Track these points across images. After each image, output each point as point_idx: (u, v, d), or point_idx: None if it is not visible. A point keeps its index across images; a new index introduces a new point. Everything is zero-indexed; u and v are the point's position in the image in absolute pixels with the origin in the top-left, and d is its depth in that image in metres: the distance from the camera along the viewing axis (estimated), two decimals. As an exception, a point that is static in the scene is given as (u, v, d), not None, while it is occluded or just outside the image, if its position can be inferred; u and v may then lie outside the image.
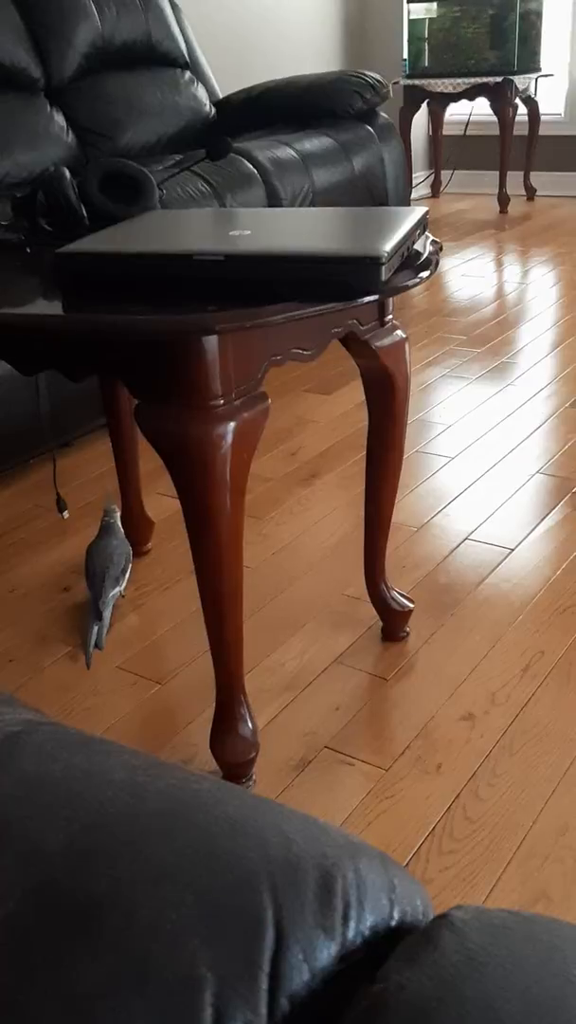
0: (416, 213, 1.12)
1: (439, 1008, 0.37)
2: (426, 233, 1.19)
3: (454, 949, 0.40)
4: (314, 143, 2.94)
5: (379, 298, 1.06)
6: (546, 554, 1.74)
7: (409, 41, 4.64)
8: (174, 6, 3.18)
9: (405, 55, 4.68)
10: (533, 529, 1.83)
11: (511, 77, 4.41)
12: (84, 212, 1.27)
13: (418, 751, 1.29)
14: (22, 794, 0.50)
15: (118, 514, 1.67)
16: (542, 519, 1.86)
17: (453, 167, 5.36)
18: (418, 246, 1.13)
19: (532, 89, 4.67)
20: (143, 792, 0.50)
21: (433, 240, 1.19)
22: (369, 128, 3.17)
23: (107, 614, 1.57)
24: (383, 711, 1.38)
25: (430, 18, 4.55)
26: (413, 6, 4.57)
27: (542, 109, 4.80)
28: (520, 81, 4.48)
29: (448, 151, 5.32)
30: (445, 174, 5.37)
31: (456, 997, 0.37)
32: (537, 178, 5.08)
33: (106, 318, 0.98)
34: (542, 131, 4.85)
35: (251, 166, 2.66)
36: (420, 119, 5.06)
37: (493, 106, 4.52)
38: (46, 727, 0.58)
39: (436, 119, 5.09)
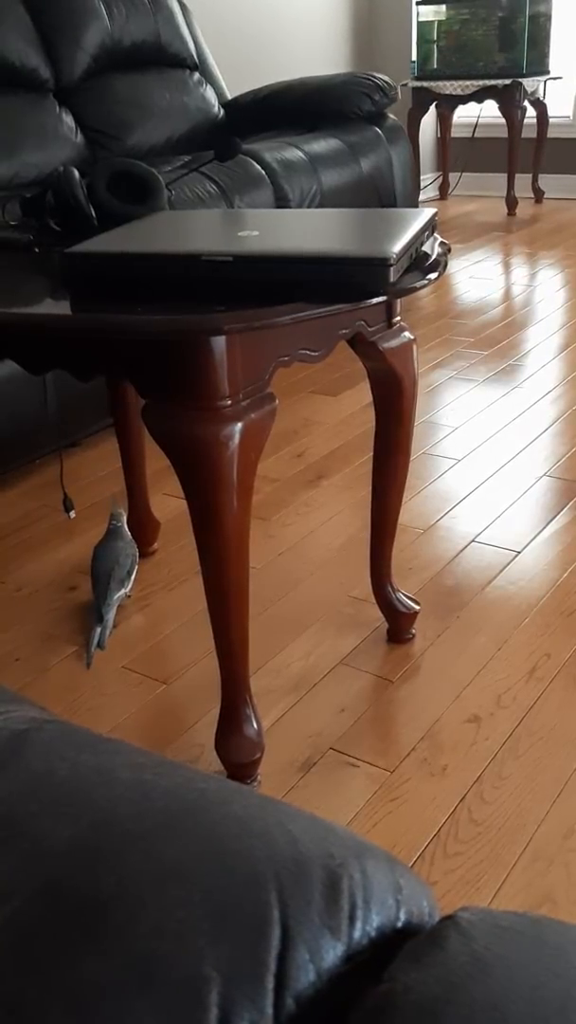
0: (425, 215, 1.12)
1: (445, 1009, 0.37)
2: (435, 235, 1.19)
3: (461, 950, 0.40)
4: (322, 145, 2.95)
5: (387, 299, 1.06)
6: (553, 557, 1.73)
7: (418, 43, 4.64)
8: (183, 7, 3.19)
9: (414, 57, 4.68)
10: (540, 532, 1.82)
11: (520, 80, 4.41)
12: (93, 212, 1.27)
13: (423, 753, 1.29)
14: (29, 792, 0.50)
15: (124, 516, 1.67)
16: (549, 522, 1.86)
17: (461, 169, 5.36)
18: (426, 248, 1.13)
19: (541, 92, 4.66)
20: (150, 791, 0.50)
21: (441, 242, 1.19)
22: (377, 130, 3.17)
23: (109, 616, 1.57)
24: (388, 713, 1.37)
25: (439, 20, 4.54)
26: (422, 8, 4.57)
27: (551, 112, 4.79)
28: (529, 84, 4.48)
29: (456, 153, 5.32)
30: (453, 176, 5.37)
31: (463, 998, 0.37)
32: (545, 181, 5.07)
33: (114, 318, 0.98)
34: (550, 134, 4.85)
35: (259, 167, 2.66)
36: (428, 121, 5.06)
37: (501, 108, 4.51)
38: (53, 725, 0.58)
39: (444, 121, 5.09)
